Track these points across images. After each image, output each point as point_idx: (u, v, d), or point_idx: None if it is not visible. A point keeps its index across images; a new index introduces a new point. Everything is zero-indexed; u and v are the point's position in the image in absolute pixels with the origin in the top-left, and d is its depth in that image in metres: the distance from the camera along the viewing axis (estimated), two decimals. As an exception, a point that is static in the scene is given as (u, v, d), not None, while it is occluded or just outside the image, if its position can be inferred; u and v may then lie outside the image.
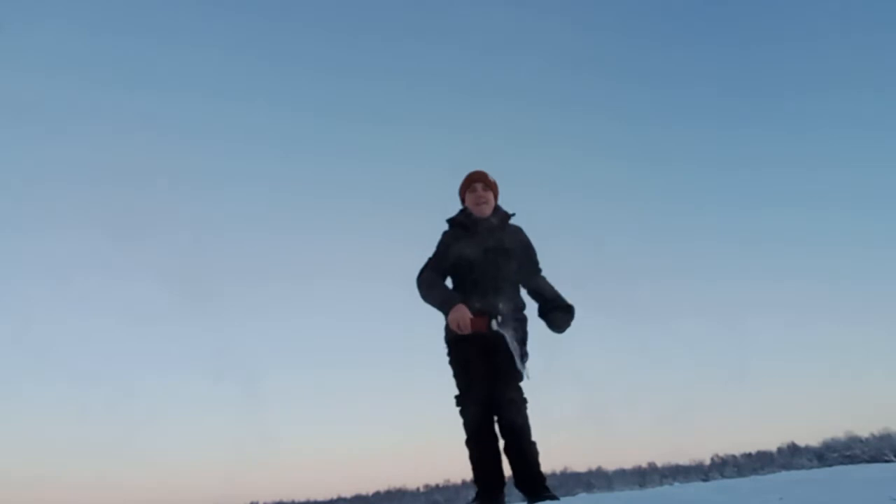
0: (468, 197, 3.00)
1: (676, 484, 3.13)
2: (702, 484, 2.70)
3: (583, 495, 2.82)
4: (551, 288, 2.96)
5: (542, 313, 2.92)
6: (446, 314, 2.77)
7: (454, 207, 3.07)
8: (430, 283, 2.86)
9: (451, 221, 2.99)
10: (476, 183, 2.99)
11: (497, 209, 3.00)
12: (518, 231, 3.01)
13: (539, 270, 3.00)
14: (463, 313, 2.68)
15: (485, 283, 2.81)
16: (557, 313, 2.87)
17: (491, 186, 3.01)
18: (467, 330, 2.68)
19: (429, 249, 2.96)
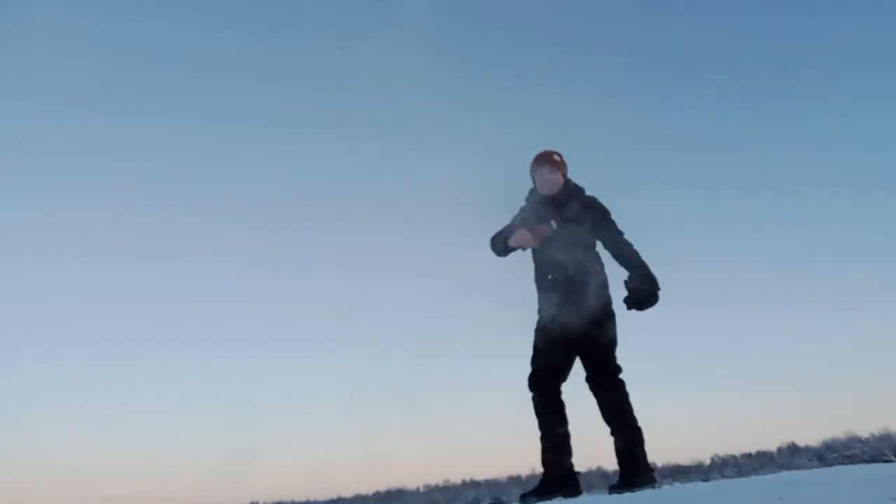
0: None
1: (676, 484, 3.13)
2: (702, 484, 2.71)
3: (583, 495, 2.82)
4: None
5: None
6: (510, 242, 3.04)
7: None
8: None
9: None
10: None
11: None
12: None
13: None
14: (523, 231, 3.00)
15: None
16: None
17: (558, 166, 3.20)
18: (530, 242, 2.99)
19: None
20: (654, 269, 2.99)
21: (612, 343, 2.98)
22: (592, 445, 3.12)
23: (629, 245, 3.03)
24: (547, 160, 3.16)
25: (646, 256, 3.02)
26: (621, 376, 2.93)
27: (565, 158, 3.21)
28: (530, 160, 3.23)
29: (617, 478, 2.82)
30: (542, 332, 3.05)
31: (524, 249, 3.05)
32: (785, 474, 2.74)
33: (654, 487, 2.68)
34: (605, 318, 2.97)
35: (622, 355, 2.97)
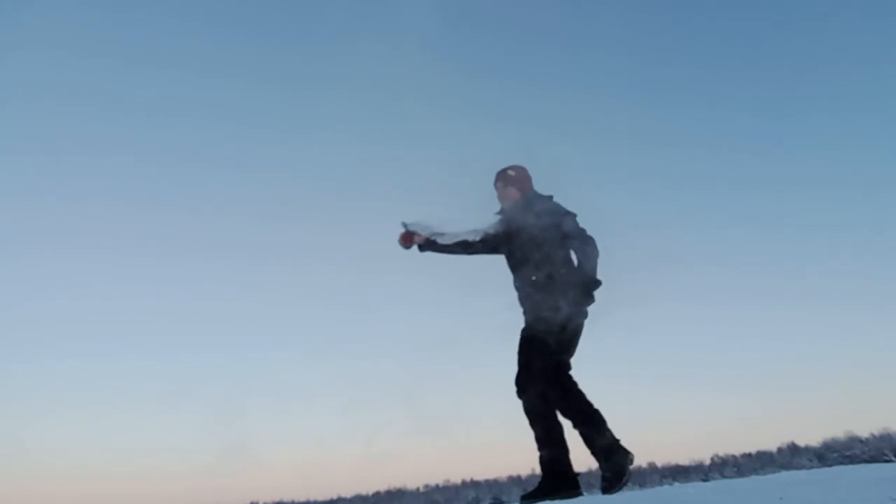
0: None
1: (676, 484, 3.14)
2: (702, 484, 2.71)
3: (583, 496, 2.82)
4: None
5: None
6: None
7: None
8: None
9: None
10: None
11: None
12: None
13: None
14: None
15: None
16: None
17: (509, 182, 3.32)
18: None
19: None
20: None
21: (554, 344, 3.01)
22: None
23: (586, 248, 3.06)
24: (500, 177, 3.32)
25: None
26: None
27: (528, 171, 3.32)
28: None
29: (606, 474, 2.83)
30: (521, 333, 3.13)
31: (406, 248, 3.28)
32: (785, 474, 2.75)
33: (632, 459, 2.78)
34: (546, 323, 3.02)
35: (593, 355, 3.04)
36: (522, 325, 3.14)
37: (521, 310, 3.15)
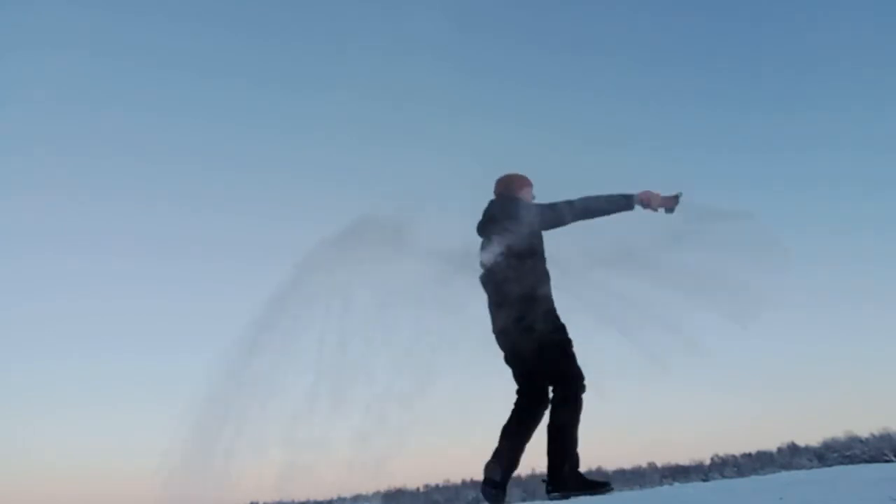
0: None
1: (676, 484, 3.13)
2: (702, 484, 2.71)
3: (583, 496, 2.82)
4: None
5: None
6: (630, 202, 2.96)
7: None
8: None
9: None
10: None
11: None
12: None
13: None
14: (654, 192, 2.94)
15: None
16: None
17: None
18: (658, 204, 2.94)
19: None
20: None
21: None
22: (591, 447, 3.12)
23: None
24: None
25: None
26: None
27: (508, 178, 3.26)
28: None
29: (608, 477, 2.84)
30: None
31: None
32: (785, 474, 2.75)
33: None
34: None
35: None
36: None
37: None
